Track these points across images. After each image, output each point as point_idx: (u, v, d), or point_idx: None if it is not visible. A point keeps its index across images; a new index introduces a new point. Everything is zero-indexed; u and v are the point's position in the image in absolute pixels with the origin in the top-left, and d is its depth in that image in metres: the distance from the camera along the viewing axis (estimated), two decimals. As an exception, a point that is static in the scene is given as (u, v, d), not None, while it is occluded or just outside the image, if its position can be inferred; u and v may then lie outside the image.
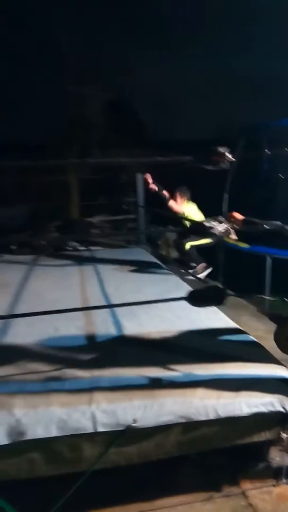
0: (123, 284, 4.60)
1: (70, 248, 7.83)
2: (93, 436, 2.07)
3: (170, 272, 5.06)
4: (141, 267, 5.40)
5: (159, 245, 8.13)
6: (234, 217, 2.92)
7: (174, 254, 7.38)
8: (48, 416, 2.04)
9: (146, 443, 2.14)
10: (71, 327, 3.26)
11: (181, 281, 4.63)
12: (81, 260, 6.10)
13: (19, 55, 11.73)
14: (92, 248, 7.45)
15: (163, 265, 5.48)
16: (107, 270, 5.31)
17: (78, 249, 7.56)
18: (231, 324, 3.32)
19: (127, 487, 2.25)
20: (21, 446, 1.99)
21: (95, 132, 11.31)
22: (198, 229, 3.41)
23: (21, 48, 11.42)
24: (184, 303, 3.52)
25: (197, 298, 2.51)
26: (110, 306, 3.55)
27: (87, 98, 10.84)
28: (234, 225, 2.92)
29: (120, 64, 11.76)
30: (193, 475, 2.33)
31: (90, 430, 2.05)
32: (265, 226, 2.69)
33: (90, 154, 11.32)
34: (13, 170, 10.54)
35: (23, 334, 3.09)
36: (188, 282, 4.69)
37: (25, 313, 3.12)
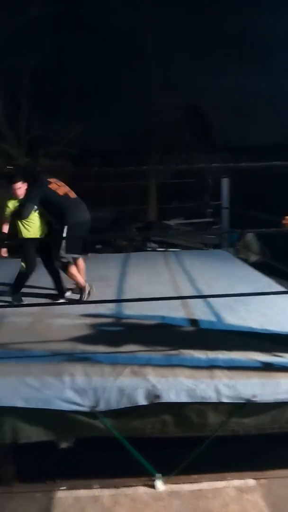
0: (214, 282, 4.84)
1: (149, 249, 8.24)
2: (217, 406, 2.35)
3: (259, 273, 5.21)
4: (229, 267, 5.60)
5: (238, 248, 8.24)
6: None
7: (253, 257, 7.46)
8: (178, 384, 2.36)
9: (263, 417, 2.38)
10: (175, 316, 3.58)
11: (272, 282, 4.77)
12: (166, 260, 6.42)
13: (104, 64, 12.42)
14: (171, 249, 7.77)
15: (251, 267, 5.63)
16: (194, 270, 5.57)
17: (157, 250, 7.94)
18: None
19: (244, 456, 2.51)
20: (156, 408, 2.32)
21: (174, 138, 11.68)
22: None
23: (106, 58, 12.10)
24: (281, 302, 3.74)
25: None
26: (211, 296, 3.80)
27: (168, 105, 11.24)
28: None
29: (200, 72, 12.08)
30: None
31: (214, 400, 2.34)
32: None
33: (168, 159, 11.75)
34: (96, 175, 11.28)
35: (133, 320, 3.48)
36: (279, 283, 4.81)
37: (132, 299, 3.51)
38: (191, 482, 2.36)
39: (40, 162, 9.86)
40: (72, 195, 4.27)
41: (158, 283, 4.81)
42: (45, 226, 4.19)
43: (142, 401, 2.32)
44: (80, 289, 4.17)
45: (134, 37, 11.51)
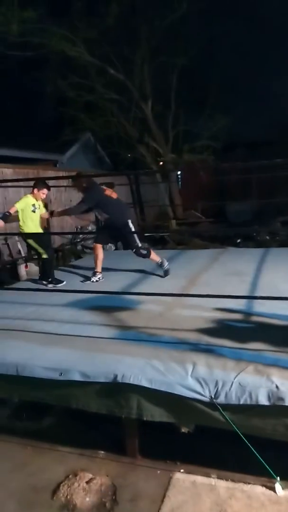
0: None
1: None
2: None
3: None
4: None
5: None
6: None
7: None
8: (304, 389, 2.22)
9: None
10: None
11: None
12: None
13: (251, 54, 12.01)
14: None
15: None
16: None
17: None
18: None
19: None
20: (279, 410, 2.24)
21: None
22: None
23: (253, 46, 11.66)
24: None
25: None
26: None
27: None
28: None
29: None
30: None
31: None
32: None
33: None
34: (241, 167, 11.02)
35: (264, 318, 3.36)
36: None
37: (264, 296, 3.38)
38: (314, 494, 2.21)
39: (184, 158, 10.13)
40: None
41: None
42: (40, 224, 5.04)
43: (263, 400, 2.25)
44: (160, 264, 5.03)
45: (283, 24, 10.82)
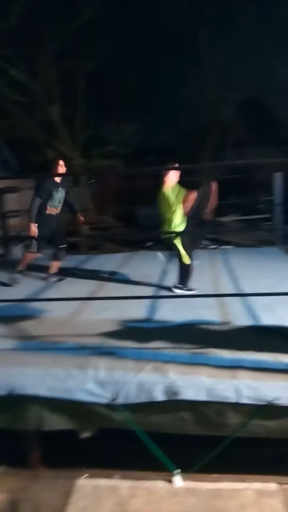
0: (260, 281, 4.70)
1: (202, 246, 8.15)
2: (237, 407, 2.30)
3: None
4: (278, 266, 5.41)
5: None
6: None
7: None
8: (197, 382, 2.35)
9: (286, 420, 2.29)
10: (211, 315, 3.54)
11: None
12: (214, 258, 6.33)
13: (159, 62, 12.42)
14: (224, 247, 7.64)
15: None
16: (241, 268, 5.46)
17: (210, 247, 7.83)
18: None
19: (266, 459, 2.44)
20: (174, 405, 2.34)
21: (230, 133, 11.43)
22: None
23: (161, 55, 12.08)
24: None
25: None
26: (248, 294, 3.72)
27: (224, 100, 11.02)
28: None
29: (258, 64, 11.67)
30: None
31: (234, 400, 2.29)
32: None
33: (225, 155, 11.52)
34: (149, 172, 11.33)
35: (168, 317, 3.50)
36: None
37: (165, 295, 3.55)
38: (210, 481, 2.35)
39: (93, 163, 10.14)
40: None
41: (200, 281, 4.78)
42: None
43: (160, 397, 2.34)
44: None
45: (190, 33, 11.40)
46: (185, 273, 4.45)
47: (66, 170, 5.02)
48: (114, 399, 2.35)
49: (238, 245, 7.88)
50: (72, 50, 10.05)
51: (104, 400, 2.35)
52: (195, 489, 2.29)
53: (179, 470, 2.39)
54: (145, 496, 2.27)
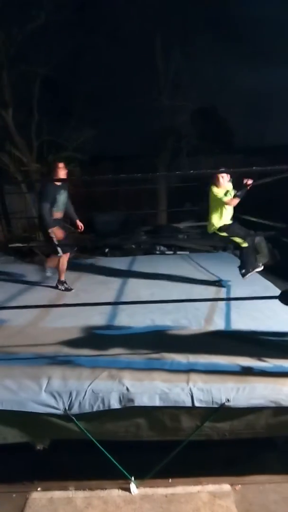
0: (212, 285, 4.85)
1: (158, 252, 8.24)
2: (191, 410, 2.35)
3: (259, 275, 5.16)
4: (229, 270, 5.57)
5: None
6: None
7: (262, 260, 7.37)
8: (152, 388, 2.37)
9: (237, 422, 2.36)
10: (166, 320, 3.59)
11: (269, 284, 4.73)
12: (170, 263, 6.45)
13: (114, 69, 12.48)
14: (179, 252, 7.78)
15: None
16: (195, 272, 5.61)
17: (166, 253, 7.95)
18: None
19: (219, 461, 2.49)
20: (129, 412, 2.34)
21: (184, 141, 11.67)
22: None
23: (116, 62, 12.16)
24: (273, 305, 3.70)
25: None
26: (199, 300, 3.80)
27: (178, 108, 11.24)
28: None
29: (211, 74, 12.04)
30: (280, 458, 2.49)
31: (187, 404, 2.33)
32: None
33: (179, 162, 11.74)
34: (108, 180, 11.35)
35: (125, 323, 3.51)
36: (277, 284, 4.77)
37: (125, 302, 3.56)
38: (165, 486, 2.37)
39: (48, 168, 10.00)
40: None
41: (157, 287, 4.84)
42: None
43: (115, 404, 2.34)
44: None
45: (144, 41, 11.56)
46: (248, 257, 4.70)
47: (68, 176, 5.02)
48: (68, 409, 2.31)
49: (194, 250, 8.04)
50: (27, 54, 9.91)
51: (59, 411, 2.31)
52: (150, 495, 2.30)
53: (132, 478, 2.39)
54: (101, 506, 2.25)
